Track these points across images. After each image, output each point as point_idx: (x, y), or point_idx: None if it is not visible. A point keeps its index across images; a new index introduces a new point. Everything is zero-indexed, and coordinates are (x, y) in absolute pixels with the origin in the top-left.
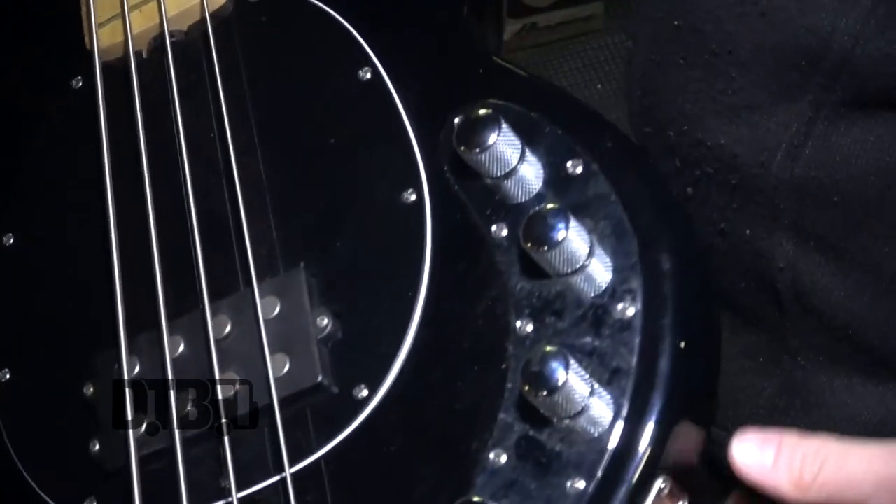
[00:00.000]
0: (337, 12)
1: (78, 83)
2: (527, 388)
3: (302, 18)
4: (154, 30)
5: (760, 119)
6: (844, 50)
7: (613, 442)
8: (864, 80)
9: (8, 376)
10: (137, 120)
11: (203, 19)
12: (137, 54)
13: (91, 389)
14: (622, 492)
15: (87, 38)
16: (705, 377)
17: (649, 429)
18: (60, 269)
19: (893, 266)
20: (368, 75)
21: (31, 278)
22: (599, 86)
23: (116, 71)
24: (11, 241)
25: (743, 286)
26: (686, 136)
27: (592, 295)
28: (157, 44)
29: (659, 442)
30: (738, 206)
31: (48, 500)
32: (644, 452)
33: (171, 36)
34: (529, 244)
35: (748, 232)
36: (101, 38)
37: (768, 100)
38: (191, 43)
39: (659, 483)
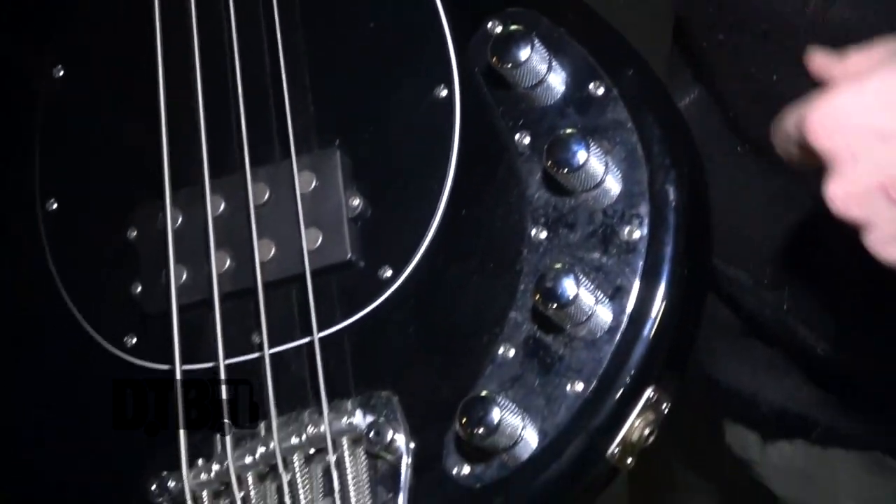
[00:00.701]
0: None
1: None
2: (539, 298)
3: None
4: None
5: None
6: None
7: (611, 353)
8: None
9: (55, 206)
10: None
11: None
12: None
13: (135, 233)
14: (615, 397)
15: None
16: (697, 305)
17: (644, 345)
18: (108, 110)
19: None
20: None
21: (79, 114)
22: None
23: None
24: (61, 72)
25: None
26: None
27: (603, 215)
28: None
29: (651, 357)
30: (768, 52)
31: (90, 330)
32: (638, 365)
33: None
34: (550, 163)
35: (775, 77)
36: None
37: None
38: None
39: (648, 392)
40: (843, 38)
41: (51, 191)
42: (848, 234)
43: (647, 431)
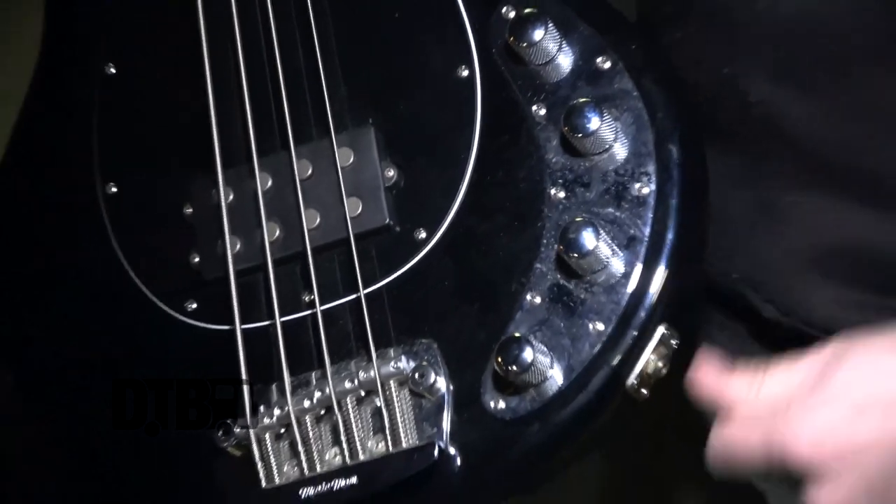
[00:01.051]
0: None
1: None
2: (563, 249)
3: None
4: None
5: None
6: None
7: (628, 295)
8: None
9: (114, 189)
10: None
11: None
12: None
13: (190, 210)
14: (633, 334)
15: None
16: (700, 251)
17: (656, 286)
18: (158, 100)
19: (860, 93)
20: None
21: (132, 106)
22: None
23: None
24: (113, 70)
25: (718, 115)
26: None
27: (615, 174)
28: None
29: (663, 298)
30: (721, 47)
31: (154, 299)
32: (652, 305)
33: None
34: (567, 129)
35: (726, 70)
36: None
37: None
38: None
39: (662, 328)
40: (791, 32)
41: (109, 176)
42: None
43: (660, 364)
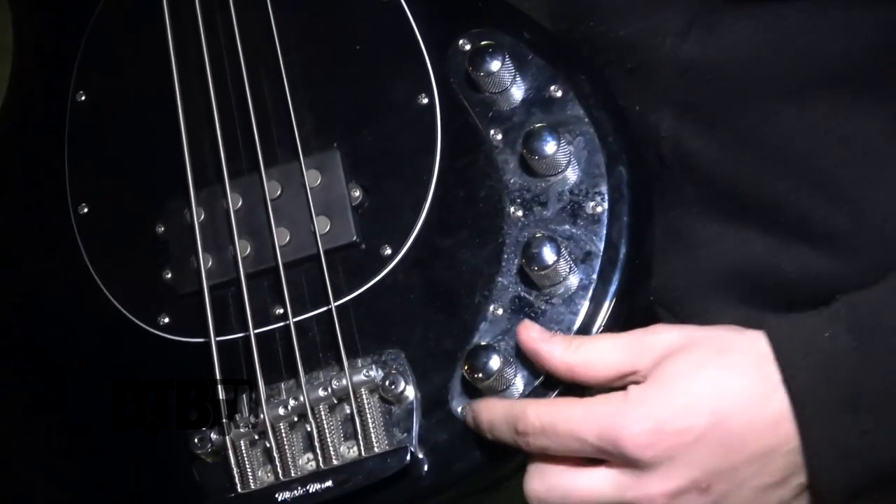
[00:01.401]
0: None
1: None
2: (525, 262)
3: None
4: None
5: (655, 11)
6: None
7: (584, 306)
8: None
9: (86, 209)
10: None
11: None
12: None
13: (162, 228)
14: None
15: None
16: (648, 263)
17: (611, 297)
18: (129, 124)
19: (758, 129)
20: None
21: (102, 131)
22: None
23: None
24: (83, 97)
25: None
26: (594, 29)
27: (570, 193)
28: None
29: (617, 309)
30: (632, 87)
31: (127, 314)
32: (606, 316)
33: None
34: (526, 151)
35: (638, 108)
36: None
37: None
38: None
39: None
40: (694, 71)
41: (81, 196)
42: None
43: None
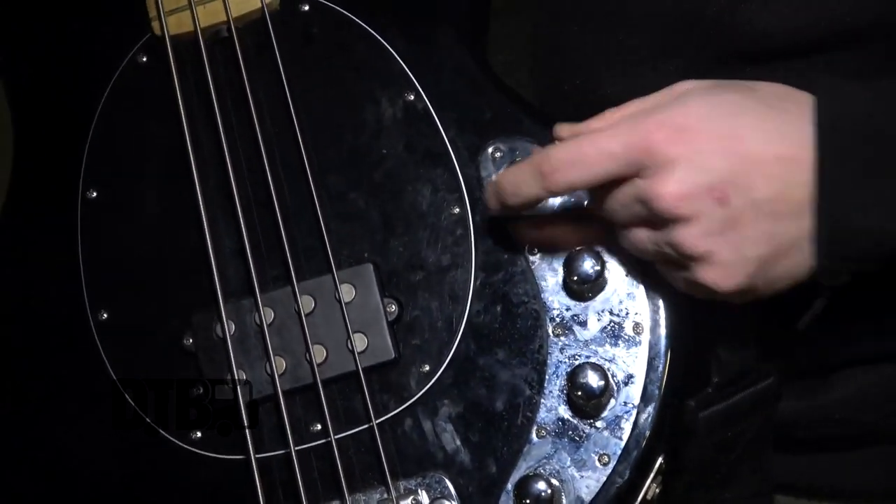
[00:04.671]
0: (384, 39)
1: (142, 58)
2: (571, 388)
3: (350, 38)
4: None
5: (644, 71)
6: (717, 14)
7: (629, 431)
8: (732, 39)
9: (106, 316)
10: (214, 105)
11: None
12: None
13: (190, 341)
14: (636, 467)
15: (155, 24)
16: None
17: (653, 422)
18: (146, 226)
19: None
20: (412, 97)
21: (118, 230)
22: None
23: (182, 57)
24: (94, 195)
25: None
26: (579, 87)
27: (609, 314)
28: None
29: (660, 431)
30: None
31: (157, 428)
32: (650, 439)
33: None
34: (567, 274)
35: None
36: (169, 25)
37: (651, 56)
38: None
39: (659, 460)
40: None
41: (101, 304)
42: None
43: (657, 490)
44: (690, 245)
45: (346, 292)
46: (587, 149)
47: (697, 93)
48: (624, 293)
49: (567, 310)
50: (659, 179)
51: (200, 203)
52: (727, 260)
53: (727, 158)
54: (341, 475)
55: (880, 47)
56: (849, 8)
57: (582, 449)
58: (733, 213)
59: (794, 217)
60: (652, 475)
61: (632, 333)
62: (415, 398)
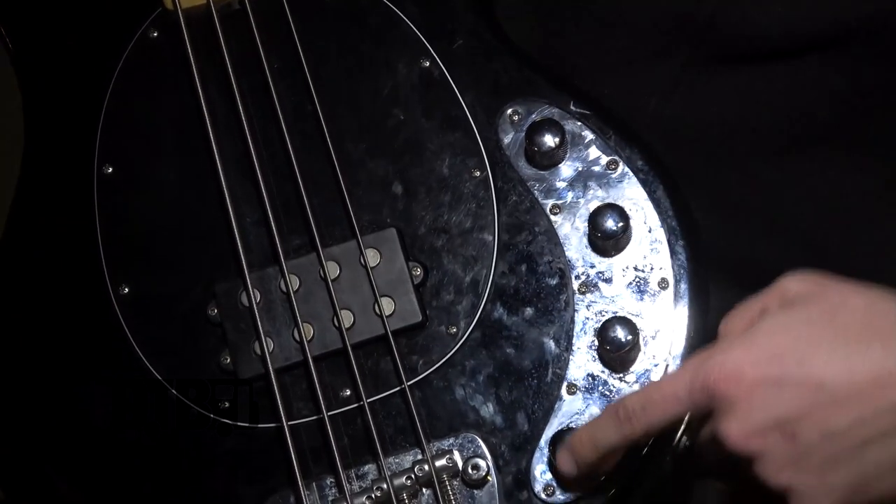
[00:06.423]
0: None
1: (153, 33)
2: (601, 343)
3: (363, 7)
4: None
5: (639, 71)
6: (710, 14)
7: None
8: (725, 40)
9: (127, 290)
10: (231, 77)
11: None
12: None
13: (216, 311)
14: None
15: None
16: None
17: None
18: (163, 198)
19: (738, 191)
20: (427, 63)
21: (136, 205)
22: None
23: (194, 30)
24: (110, 170)
25: None
26: (578, 86)
27: (634, 270)
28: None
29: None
30: None
31: (186, 400)
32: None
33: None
34: (592, 230)
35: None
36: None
37: (645, 56)
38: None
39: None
40: (676, 132)
41: (122, 279)
42: None
43: (686, 442)
44: (771, 480)
45: (371, 257)
46: (656, 394)
47: (771, 322)
48: (648, 248)
49: (591, 267)
50: (724, 420)
51: (221, 174)
52: (810, 491)
53: (792, 393)
54: (375, 438)
55: (873, 46)
56: (841, 7)
57: (612, 403)
58: (805, 447)
59: (885, 439)
60: (682, 427)
61: (657, 288)
62: (444, 360)
